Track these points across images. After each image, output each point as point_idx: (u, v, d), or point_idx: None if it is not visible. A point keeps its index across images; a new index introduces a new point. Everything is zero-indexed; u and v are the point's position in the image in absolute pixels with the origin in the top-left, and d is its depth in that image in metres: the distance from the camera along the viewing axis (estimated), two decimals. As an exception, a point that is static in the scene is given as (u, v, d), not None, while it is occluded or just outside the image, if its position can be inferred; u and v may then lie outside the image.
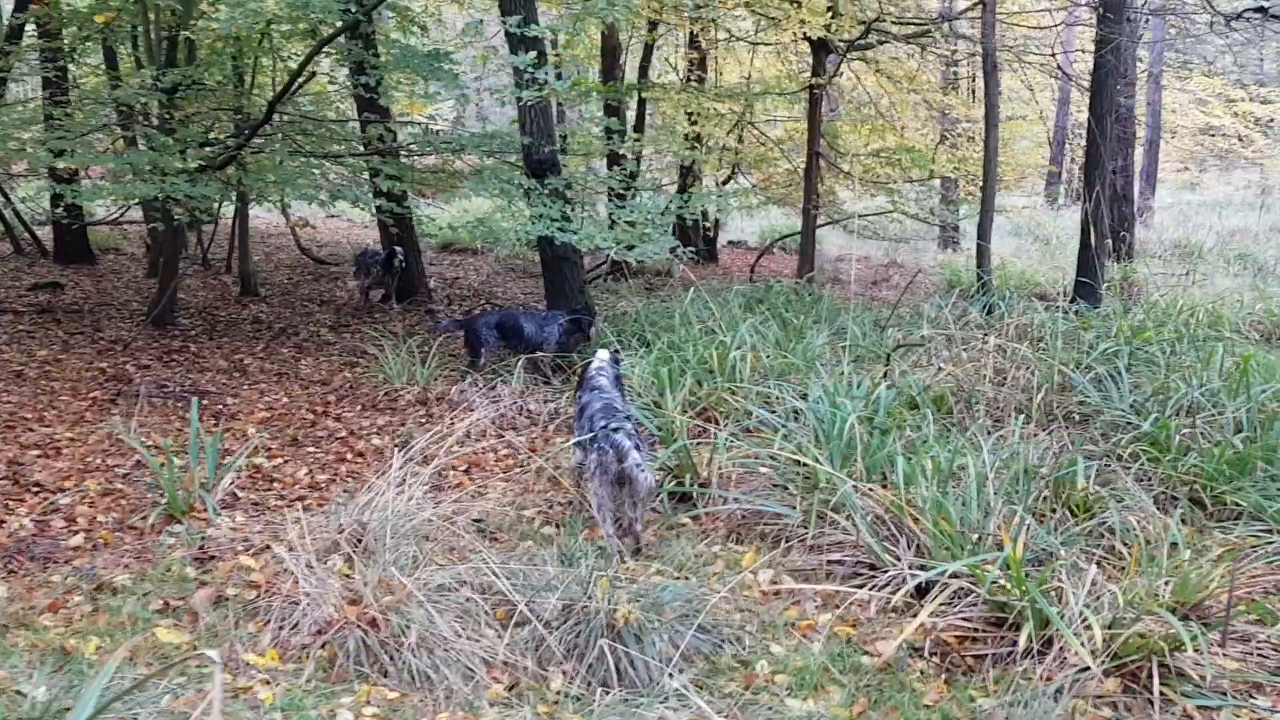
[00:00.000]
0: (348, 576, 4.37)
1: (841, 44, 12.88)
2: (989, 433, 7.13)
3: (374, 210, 9.13)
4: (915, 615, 4.26)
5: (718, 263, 19.17)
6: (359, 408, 7.90)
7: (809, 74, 13.93)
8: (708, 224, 17.93)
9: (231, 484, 5.88)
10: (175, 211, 8.96)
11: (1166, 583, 4.34)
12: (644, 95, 14.66)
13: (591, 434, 5.11)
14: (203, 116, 10.78)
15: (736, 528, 5.51)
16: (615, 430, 5.03)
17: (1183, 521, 5.65)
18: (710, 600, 4.29)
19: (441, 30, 17.95)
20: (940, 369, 8.32)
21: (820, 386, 6.65)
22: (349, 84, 10.46)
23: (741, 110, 17.11)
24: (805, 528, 5.16)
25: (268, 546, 4.68)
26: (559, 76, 20.14)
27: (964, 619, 4.23)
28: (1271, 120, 34.79)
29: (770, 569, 4.91)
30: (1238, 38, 18.89)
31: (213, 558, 4.72)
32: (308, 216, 20.47)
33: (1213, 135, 34.62)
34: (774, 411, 6.85)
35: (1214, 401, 7.18)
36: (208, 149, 9.76)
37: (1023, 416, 7.16)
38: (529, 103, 8.98)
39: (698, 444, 6.34)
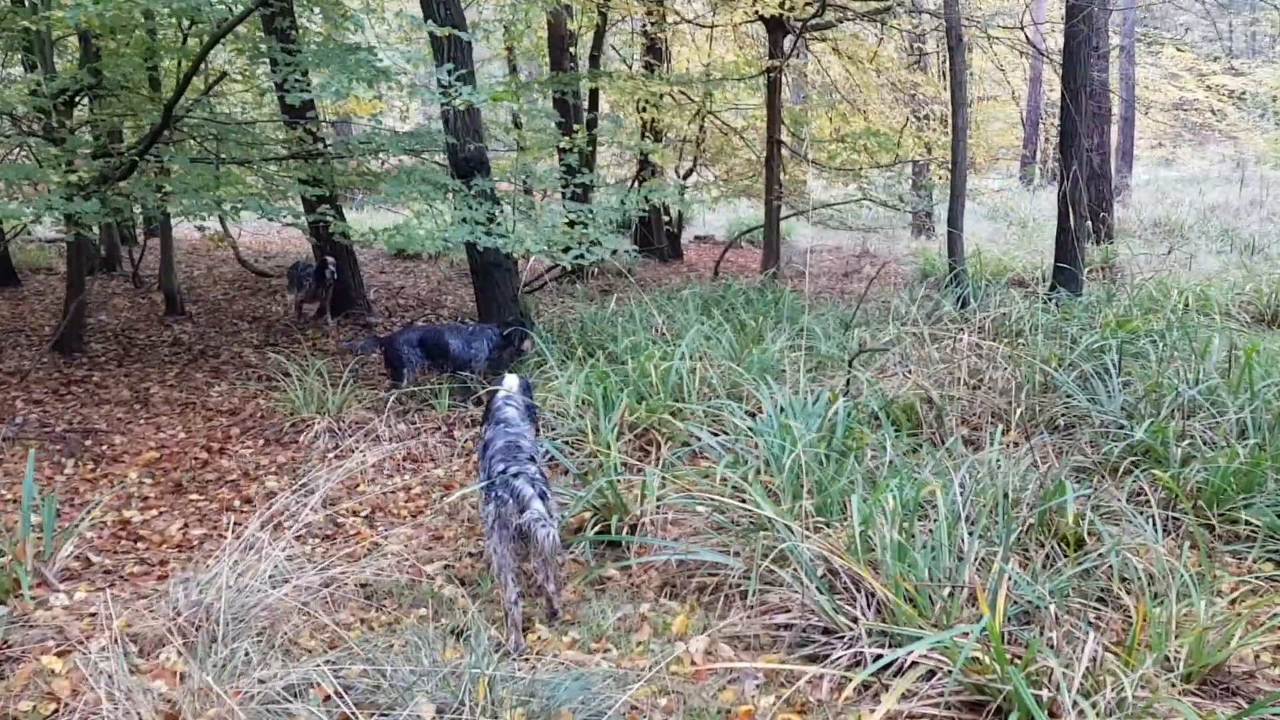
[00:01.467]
0: (181, 677, 3.55)
1: (798, 23, 12.07)
2: (967, 444, 6.40)
3: (282, 219, 8.26)
4: (876, 696, 3.48)
5: (683, 259, 18.36)
6: (261, 442, 7.05)
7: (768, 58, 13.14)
8: (667, 219, 17.12)
9: (79, 549, 5.03)
10: (58, 228, 8.07)
11: (1180, 646, 3.57)
12: (593, 86, 13.79)
13: (490, 479, 4.29)
14: (106, 124, 9.90)
15: (671, 580, 4.70)
16: (516, 475, 4.21)
17: (1191, 547, 4.90)
18: (626, 687, 3.49)
19: (383, 25, 17.09)
20: (910, 373, 7.52)
21: (772, 402, 5.85)
22: (257, 85, 9.55)
23: (701, 99, 16.34)
24: (749, 578, 4.36)
25: (84, 640, 3.84)
26: (513, 69, 19.40)
27: (935, 704, 3.43)
28: (1244, 93, 34.19)
29: (705, 636, 4.10)
30: (1213, 3, 18.22)
31: (9, 659, 3.87)
32: (246, 228, 19.59)
33: (1186, 110, 33.99)
34: (722, 432, 6.06)
35: (1213, 400, 6.42)
36: (105, 160, 8.88)
37: (1001, 426, 6.40)
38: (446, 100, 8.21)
39: (632, 476, 5.53)
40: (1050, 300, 10.19)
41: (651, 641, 4.13)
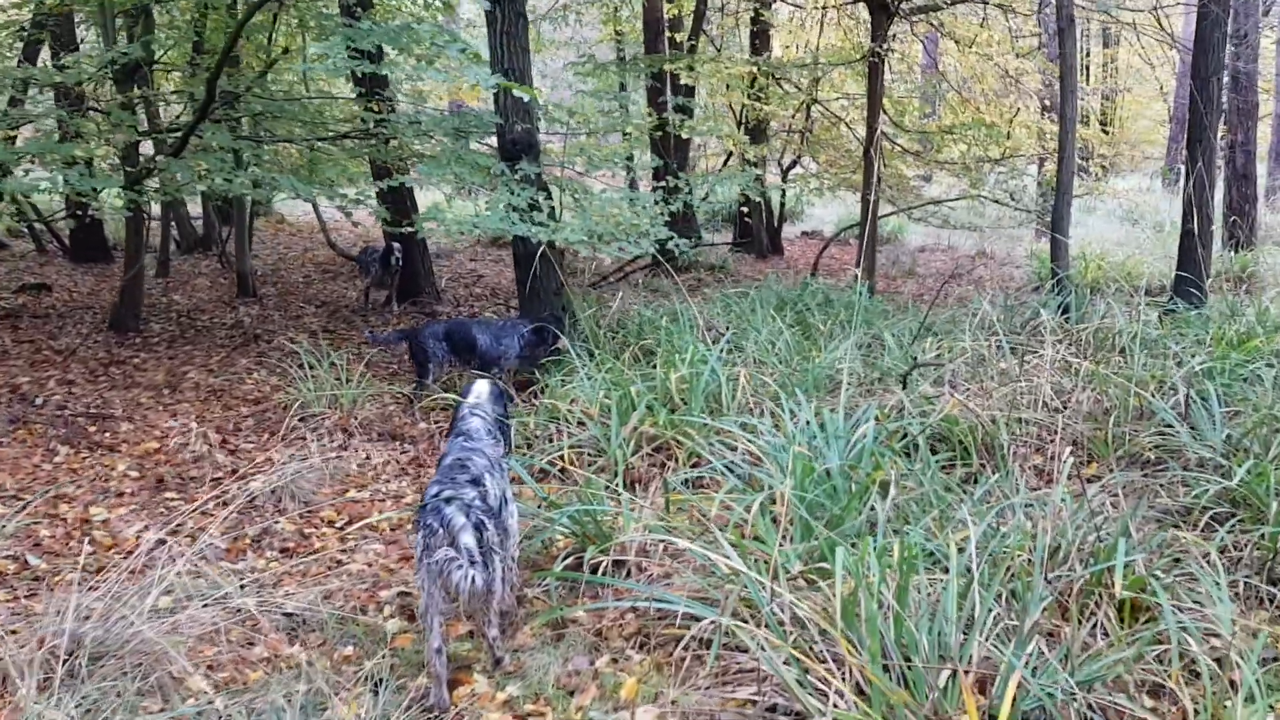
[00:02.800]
0: None
1: (903, 6, 11.20)
2: (1040, 476, 5.60)
3: (312, 198, 7.86)
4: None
5: (783, 255, 17.52)
6: (267, 436, 6.64)
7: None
8: (745, 210, 16.39)
9: (20, 549, 4.65)
10: (91, 206, 7.83)
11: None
12: (672, 69, 13.11)
13: (423, 503, 3.70)
14: (160, 98, 9.71)
15: (646, 627, 4.04)
16: (449, 501, 3.61)
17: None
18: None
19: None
20: (982, 392, 6.68)
21: (794, 420, 5.13)
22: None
23: (807, 87, 15.54)
24: (729, 632, 3.67)
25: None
26: (620, 56, 18.86)
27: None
28: None
29: (655, 707, 3.44)
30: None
31: None
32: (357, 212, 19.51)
33: (1357, 109, 31.33)
34: (749, 453, 5.35)
35: (1337, 440, 5.43)
36: (151, 136, 8.65)
37: (1072, 458, 5.55)
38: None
39: (629, 499, 4.88)
40: (1166, 312, 9.14)
41: (595, 706, 3.49)
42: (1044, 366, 6.73)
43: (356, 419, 6.72)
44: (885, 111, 12.75)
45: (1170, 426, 5.99)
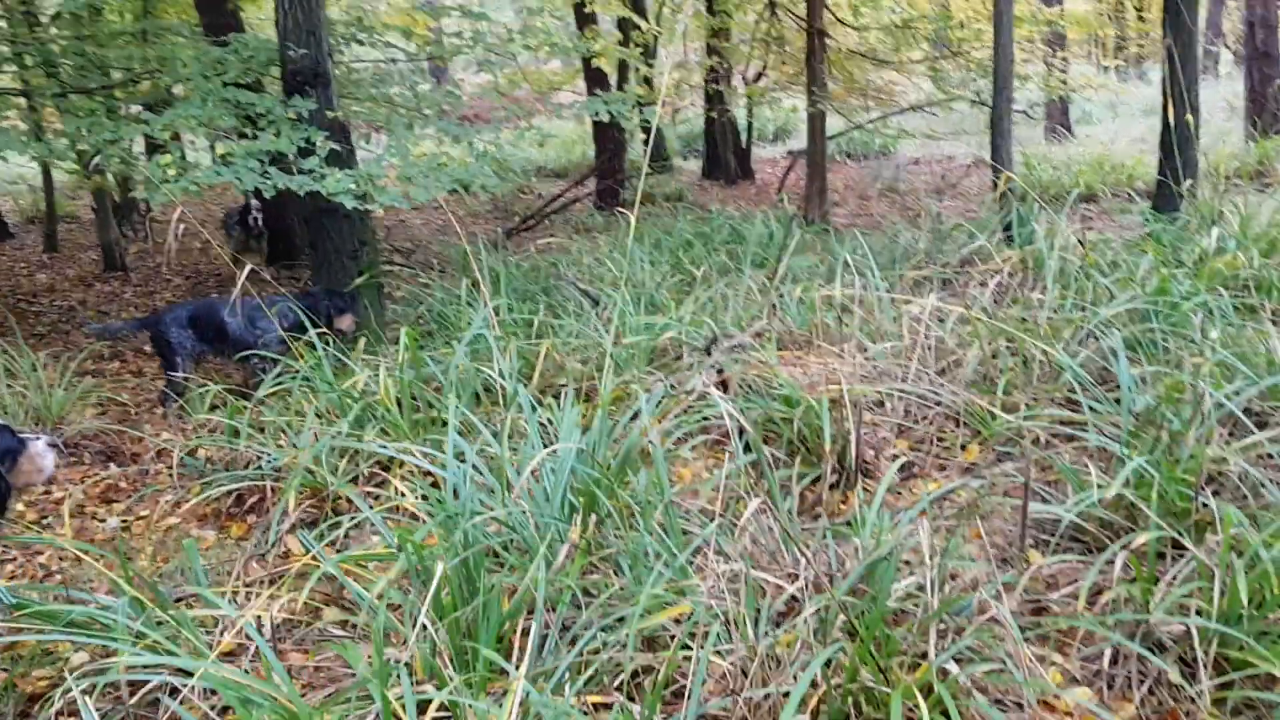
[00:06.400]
0: None
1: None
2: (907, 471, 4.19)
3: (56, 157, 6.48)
4: None
5: (753, 180, 15.87)
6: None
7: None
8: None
9: None
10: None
11: None
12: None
13: None
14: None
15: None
16: None
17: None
18: None
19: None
20: (848, 355, 5.15)
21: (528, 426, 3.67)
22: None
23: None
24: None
25: None
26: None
27: None
28: None
29: None
30: None
31: None
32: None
33: None
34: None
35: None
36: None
37: (902, 449, 4.12)
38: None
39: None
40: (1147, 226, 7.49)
41: None
42: (923, 315, 5.16)
43: (63, 433, 5.38)
44: (828, 8, 11.02)
45: (1082, 389, 4.45)
